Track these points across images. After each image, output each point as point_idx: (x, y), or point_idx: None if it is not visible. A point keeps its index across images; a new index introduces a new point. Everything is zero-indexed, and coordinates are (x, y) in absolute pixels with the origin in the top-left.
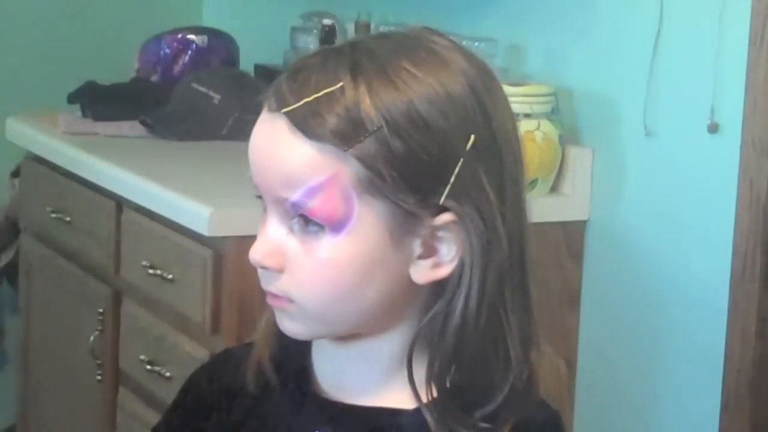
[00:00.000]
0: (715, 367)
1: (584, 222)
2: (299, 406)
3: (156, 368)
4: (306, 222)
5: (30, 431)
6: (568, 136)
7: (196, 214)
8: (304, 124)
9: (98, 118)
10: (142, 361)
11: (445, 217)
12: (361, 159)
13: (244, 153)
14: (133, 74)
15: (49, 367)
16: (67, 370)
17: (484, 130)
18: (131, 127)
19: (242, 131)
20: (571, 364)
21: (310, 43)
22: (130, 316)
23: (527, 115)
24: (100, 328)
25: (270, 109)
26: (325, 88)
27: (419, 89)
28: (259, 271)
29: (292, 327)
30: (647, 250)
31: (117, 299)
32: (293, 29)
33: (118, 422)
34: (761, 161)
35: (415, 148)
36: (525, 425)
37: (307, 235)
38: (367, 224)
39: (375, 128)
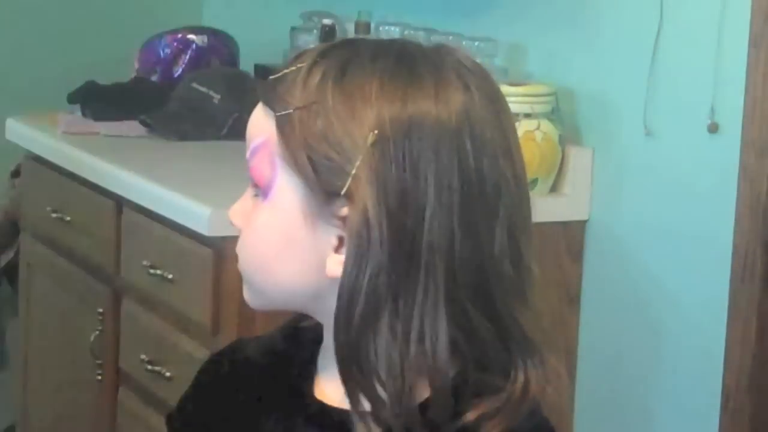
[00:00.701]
0: (715, 367)
1: (584, 222)
2: (297, 405)
3: (156, 368)
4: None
5: (30, 431)
6: (568, 136)
7: (196, 214)
8: (267, 92)
9: (98, 118)
10: (142, 361)
11: (344, 211)
12: (283, 130)
13: (244, 153)
14: (133, 74)
15: (49, 367)
16: (67, 370)
17: (395, 127)
18: (131, 127)
19: (242, 131)
20: (570, 363)
21: (310, 43)
22: (130, 316)
23: (527, 115)
24: (100, 328)
25: None
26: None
27: (374, 98)
28: None
29: (244, 291)
30: (647, 250)
31: (117, 299)
32: (293, 29)
33: (118, 422)
34: (761, 161)
35: (329, 132)
36: None
37: (256, 198)
38: (285, 198)
39: (305, 105)
